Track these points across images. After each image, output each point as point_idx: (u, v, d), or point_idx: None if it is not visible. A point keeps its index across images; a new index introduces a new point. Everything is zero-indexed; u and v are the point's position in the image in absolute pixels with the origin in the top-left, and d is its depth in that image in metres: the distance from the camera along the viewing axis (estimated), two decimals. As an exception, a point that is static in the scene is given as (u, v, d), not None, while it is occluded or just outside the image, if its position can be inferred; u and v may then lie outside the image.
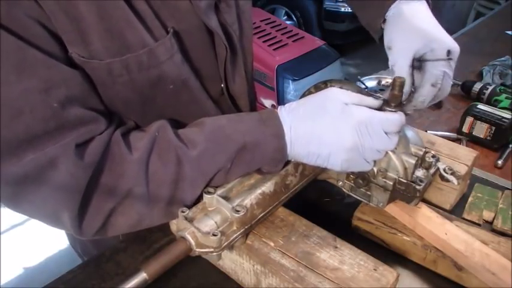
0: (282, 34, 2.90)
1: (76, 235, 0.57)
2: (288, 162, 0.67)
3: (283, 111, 0.60)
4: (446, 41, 0.65)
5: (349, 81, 0.78)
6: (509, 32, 1.82)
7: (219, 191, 0.60)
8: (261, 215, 0.61)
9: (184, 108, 0.68)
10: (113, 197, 0.56)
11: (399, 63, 0.67)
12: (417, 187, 0.63)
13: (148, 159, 0.57)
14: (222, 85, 0.74)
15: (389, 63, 0.69)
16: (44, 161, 0.50)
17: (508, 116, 1.04)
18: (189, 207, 0.59)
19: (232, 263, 0.64)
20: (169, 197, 0.58)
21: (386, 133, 0.59)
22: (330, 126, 0.58)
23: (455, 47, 0.65)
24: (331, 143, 0.58)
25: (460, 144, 1.03)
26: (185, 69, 0.65)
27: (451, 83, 0.68)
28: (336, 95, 0.59)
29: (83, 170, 0.52)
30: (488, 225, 0.77)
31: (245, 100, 0.80)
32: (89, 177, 0.53)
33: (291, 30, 2.98)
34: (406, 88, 0.67)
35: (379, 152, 0.60)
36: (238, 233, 0.58)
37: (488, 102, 1.20)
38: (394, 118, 0.59)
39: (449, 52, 0.65)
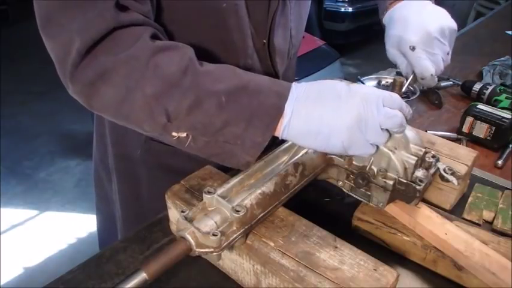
0: (282, 34, 2.90)
1: (69, 80, 0.61)
2: (288, 162, 0.67)
3: (293, 85, 0.62)
4: (407, 39, 0.76)
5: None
6: (509, 32, 1.82)
7: (219, 191, 0.60)
8: (261, 215, 0.61)
9: (228, 36, 0.75)
10: (114, 56, 0.59)
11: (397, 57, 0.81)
12: (417, 187, 0.63)
13: (161, 52, 0.60)
14: (265, 40, 0.81)
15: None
16: None
17: (508, 116, 1.04)
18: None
19: (232, 263, 0.64)
20: (158, 92, 0.59)
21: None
22: (333, 103, 0.58)
23: (417, 40, 0.76)
24: (332, 119, 0.58)
25: (460, 144, 1.03)
26: None
27: (441, 61, 0.78)
28: (341, 81, 0.63)
29: (112, 19, 0.58)
30: (488, 225, 0.77)
31: (282, 59, 0.86)
32: (110, 28, 0.58)
33: (291, 30, 2.98)
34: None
35: (382, 132, 0.59)
36: (238, 233, 0.58)
37: (488, 102, 1.20)
38: (396, 96, 0.60)
39: (411, 46, 0.76)
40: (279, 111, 0.59)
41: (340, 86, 0.60)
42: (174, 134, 0.61)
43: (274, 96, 0.60)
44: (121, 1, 0.60)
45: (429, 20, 0.77)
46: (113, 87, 0.60)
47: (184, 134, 0.61)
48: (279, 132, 0.60)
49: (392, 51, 0.80)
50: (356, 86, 0.60)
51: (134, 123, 0.64)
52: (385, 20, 0.83)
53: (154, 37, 0.63)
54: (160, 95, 0.59)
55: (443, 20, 0.77)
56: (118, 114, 0.64)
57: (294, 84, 0.62)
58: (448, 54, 0.79)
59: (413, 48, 0.76)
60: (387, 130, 0.59)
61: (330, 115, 0.58)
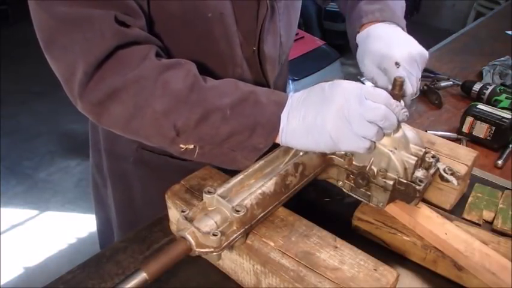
0: (282, 34, 2.90)
1: (78, 99, 0.62)
2: (288, 162, 0.67)
3: (289, 94, 0.66)
4: (393, 56, 0.72)
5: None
6: (509, 32, 1.82)
7: (219, 191, 0.60)
8: (261, 215, 0.61)
9: (215, 46, 0.75)
10: (123, 76, 0.60)
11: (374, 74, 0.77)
12: (417, 187, 0.63)
13: (168, 70, 0.63)
14: (255, 48, 0.81)
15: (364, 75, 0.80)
16: (84, 14, 0.58)
17: (508, 116, 1.04)
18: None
19: (232, 263, 0.64)
20: (167, 109, 0.62)
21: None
22: (317, 100, 0.61)
23: (402, 57, 0.72)
24: (317, 114, 0.60)
25: (460, 144, 1.03)
26: (226, 7, 0.72)
27: (415, 84, 0.74)
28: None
29: (112, 38, 0.59)
30: (488, 225, 0.77)
31: (273, 66, 0.86)
32: (113, 47, 0.59)
33: (291, 30, 2.98)
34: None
35: (369, 124, 0.58)
36: (238, 233, 0.58)
37: (488, 102, 1.20)
38: (379, 91, 0.60)
39: (397, 63, 0.72)
40: (278, 119, 0.63)
41: (325, 84, 0.63)
42: (182, 146, 0.65)
43: (274, 105, 0.64)
44: (119, 17, 0.60)
45: (410, 43, 0.75)
46: (123, 105, 0.62)
47: (191, 146, 0.65)
48: (279, 138, 0.64)
49: (370, 67, 0.77)
50: (339, 81, 0.62)
51: (143, 138, 0.67)
52: (361, 36, 0.80)
53: (157, 55, 0.65)
54: (169, 111, 0.62)
55: (420, 46, 0.76)
56: (127, 130, 0.66)
57: (291, 93, 0.66)
58: (418, 80, 0.76)
59: (397, 65, 0.72)
60: (378, 125, 0.59)
61: (315, 110, 0.61)
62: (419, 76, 0.76)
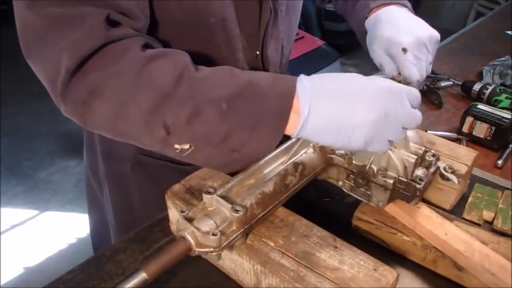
0: (282, 34, 2.91)
1: (61, 99, 0.59)
2: (288, 162, 0.67)
3: (303, 80, 0.57)
4: (400, 41, 0.74)
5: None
6: (509, 32, 1.82)
7: (219, 191, 0.60)
8: (261, 214, 0.61)
9: (217, 50, 0.74)
10: (105, 70, 0.56)
11: (384, 61, 0.79)
12: (417, 186, 0.63)
13: (154, 61, 0.57)
14: (258, 52, 0.79)
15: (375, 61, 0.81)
16: (75, 12, 0.56)
17: (508, 116, 1.04)
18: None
19: (232, 263, 0.64)
20: (153, 104, 0.56)
21: None
22: (356, 98, 0.55)
23: (409, 43, 0.74)
24: (356, 115, 0.55)
25: (460, 144, 1.03)
26: (229, 12, 0.71)
27: (424, 68, 0.76)
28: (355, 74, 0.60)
29: (100, 36, 0.56)
30: (488, 225, 0.77)
31: (275, 69, 0.85)
32: (99, 45, 0.56)
33: (291, 30, 2.98)
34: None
35: (402, 129, 0.58)
36: (238, 232, 0.58)
37: (488, 102, 1.20)
38: (416, 92, 0.59)
39: (404, 49, 0.74)
40: (285, 113, 0.56)
41: (360, 79, 0.57)
42: (176, 146, 0.59)
43: (278, 98, 0.56)
44: (112, 16, 0.58)
45: (419, 27, 0.76)
46: (106, 103, 0.57)
47: (186, 146, 0.59)
48: (294, 131, 0.57)
49: (379, 52, 0.78)
50: (378, 79, 0.58)
51: (132, 139, 0.62)
52: (370, 21, 0.81)
53: (146, 46, 0.59)
54: (156, 107, 0.56)
55: (430, 28, 0.76)
56: (114, 131, 0.61)
57: (305, 79, 0.57)
58: (430, 63, 0.77)
59: (405, 51, 0.73)
60: (406, 128, 0.59)
61: (354, 111, 0.55)
62: (430, 59, 0.77)
